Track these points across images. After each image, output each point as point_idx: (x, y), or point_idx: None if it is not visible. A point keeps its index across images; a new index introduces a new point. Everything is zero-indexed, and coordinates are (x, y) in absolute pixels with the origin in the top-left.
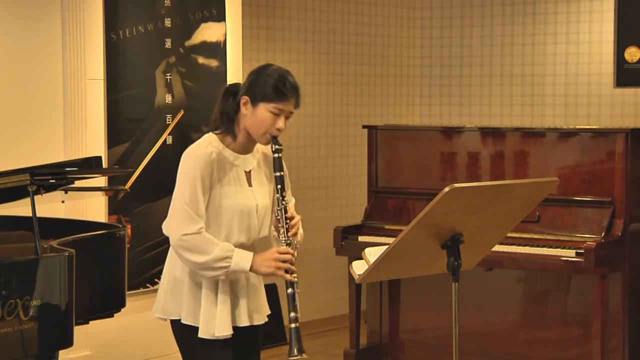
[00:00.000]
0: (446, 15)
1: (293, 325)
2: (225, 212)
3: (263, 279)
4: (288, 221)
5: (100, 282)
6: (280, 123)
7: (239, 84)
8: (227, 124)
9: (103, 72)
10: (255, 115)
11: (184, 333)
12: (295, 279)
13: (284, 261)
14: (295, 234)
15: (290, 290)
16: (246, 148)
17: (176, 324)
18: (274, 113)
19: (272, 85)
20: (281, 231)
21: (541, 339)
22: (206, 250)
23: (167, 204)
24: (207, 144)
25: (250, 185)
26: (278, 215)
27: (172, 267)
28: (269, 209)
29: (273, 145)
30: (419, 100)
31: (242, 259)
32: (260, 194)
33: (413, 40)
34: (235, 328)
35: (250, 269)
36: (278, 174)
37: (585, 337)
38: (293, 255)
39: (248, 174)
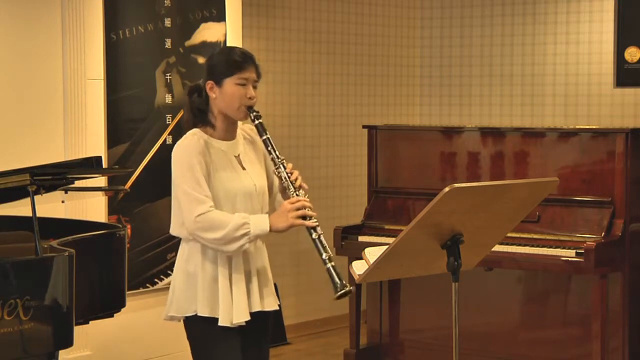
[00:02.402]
0: (446, 15)
1: (329, 265)
2: (228, 196)
3: (270, 269)
4: (290, 174)
5: (100, 282)
6: (250, 92)
7: (199, 82)
8: (201, 117)
9: (103, 72)
10: (224, 94)
11: (200, 325)
12: (316, 223)
13: (298, 209)
14: (301, 187)
15: (314, 235)
16: (229, 134)
17: (191, 319)
18: (240, 84)
19: (228, 60)
20: (287, 185)
21: (541, 339)
22: (222, 224)
23: (167, 204)
24: (193, 135)
25: (243, 168)
26: (278, 173)
27: (185, 263)
28: (266, 190)
29: (251, 115)
30: (419, 100)
31: (260, 222)
32: (255, 176)
33: (413, 40)
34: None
35: (270, 230)
36: (264, 137)
37: (585, 337)
38: (306, 201)
39: (238, 159)
